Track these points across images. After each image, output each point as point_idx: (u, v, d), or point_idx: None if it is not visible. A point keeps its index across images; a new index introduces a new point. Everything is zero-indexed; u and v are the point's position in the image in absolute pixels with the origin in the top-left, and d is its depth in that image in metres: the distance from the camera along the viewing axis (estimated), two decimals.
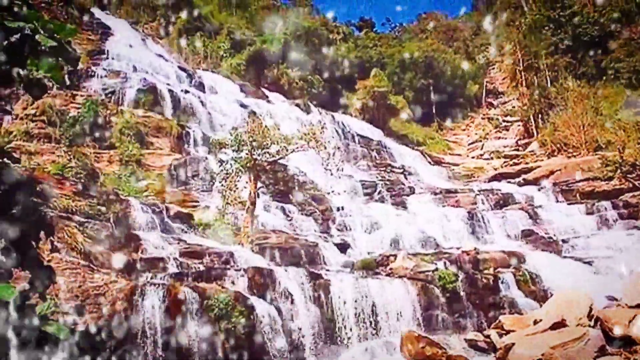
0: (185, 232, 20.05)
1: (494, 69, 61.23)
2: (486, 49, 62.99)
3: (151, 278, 14.66)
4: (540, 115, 41.64)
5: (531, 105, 42.06)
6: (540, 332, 13.44)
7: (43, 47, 2.50)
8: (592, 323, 13.81)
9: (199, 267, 16.21)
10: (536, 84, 43.37)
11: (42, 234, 2.94)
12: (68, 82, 2.73)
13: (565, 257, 20.44)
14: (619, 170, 26.79)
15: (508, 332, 14.59)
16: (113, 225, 17.05)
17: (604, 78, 40.97)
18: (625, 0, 43.93)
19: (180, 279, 14.68)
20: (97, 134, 25.71)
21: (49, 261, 12.09)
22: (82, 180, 20.70)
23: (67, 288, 12.32)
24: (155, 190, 23.41)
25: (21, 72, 2.63)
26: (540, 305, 16.02)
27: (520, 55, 44.69)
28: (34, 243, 2.86)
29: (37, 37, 2.49)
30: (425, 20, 71.85)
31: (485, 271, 17.93)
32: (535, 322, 14.23)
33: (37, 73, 2.62)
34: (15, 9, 2.47)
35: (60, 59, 2.56)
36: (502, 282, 17.38)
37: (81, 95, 28.03)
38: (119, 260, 15.11)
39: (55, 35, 2.54)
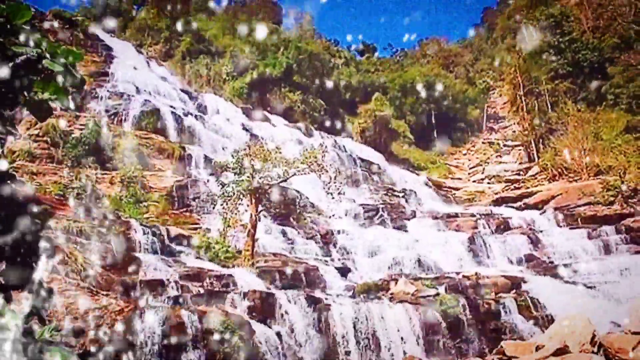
0: (186, 254, 19.99)
1: (494, 93, 61.60)
2: (487, 74, 63.45)
3: (151, 301, 14.57)
4: (541, 140, 41.77)
5: (532, 129, 42.21)
6: (542, 358, 13.28)
7: (49, 71, 2.53)
8: (595, 349, 13.66)
9: (199, 290, 16.13)
10: (537, 109, 43.56)
11: (42, 255, 2.94)
12: (72, 104, 2.76)
13: (567, 282, 20.29)
14: (620, 195, 26.81)
15: (510, 358, 14.41)
16: (114, 247, 17.03)
17: (604, 103, 41.19)
18: (624, 27, 44.38)
19: (180, 302, 14.59)
20: (99, 155, 25.83)
21: (48, 282, 12.04)
22: (84, 202, 20.74)
23: (66, 310, 12.25)
24: (156, 212, 23.42)
25: (27, 94, 2.66)
26: (543, 331, 15.87)
27: (521, 80, 44.97)
28: (34, 264, 2.86)
29: (43, 61, 2.53)
30: (426, 46, 72.52)
31: (487, 296, 17.80)
32: (538, 348, 14.08)
33: (42, 95, 2.65)
34: (23, 34, 2.51)
35: (66, 82, 2.59)
36: (503, 307, 17.24)
37: (84, 117, 28.22)
38: (118, 282, 15.04)
39: (62, 59, 2.58)
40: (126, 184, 24.60)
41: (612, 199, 27.21)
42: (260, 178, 19.80)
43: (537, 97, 44.62)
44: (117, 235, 17.67)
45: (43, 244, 2.92)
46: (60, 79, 2.55)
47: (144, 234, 19.24)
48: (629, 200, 26.73)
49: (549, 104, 43.91)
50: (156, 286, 15.81)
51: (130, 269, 16.43)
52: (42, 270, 2.84)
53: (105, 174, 25.30)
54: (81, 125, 27.20)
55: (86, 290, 13.37)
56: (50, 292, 2.91)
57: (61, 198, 19.93)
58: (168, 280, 16.30)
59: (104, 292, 13.83)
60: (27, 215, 2.81)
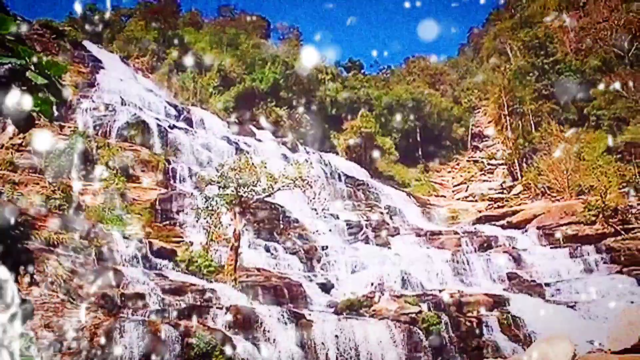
0: (168, 268, 19.81)
1: (479, 112, 62.19)
2: (472, 93, 64.04)
3: (131, 314, 14.41)
4: (524, 159, 42.21)
5: (516, 149, 42.67)
6: None
7: (33, 83, 2.53)
8: None
9: (180, 304, 15.98)
10: (521, 129, 44.08)
11: (21, 266, 2.91)
12: (56, 114, 2.76)
13: (548, 300, 20.42)
14: (601, 215, 27.15)
15: None
16: (95, 259, 16.84)
17: (586, 124, 41.82)
18: (605, 50, 45.26)
19: (161, 316, 14.44)
20: (82, 167, 25.57)
21: (26, 295, 11.87)
22: (66, 213, 20.52)
23: (44, 323, 12.06)
24: (139, 224, 23.21)
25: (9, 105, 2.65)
26: (524, 349, 15.92)
27: (505, 100, 45.54)
28: (12, 276, 2.83)
29: (27, 73, 2.52)
30: (412, 64, 73.10)
31: (469, 314, 17.84)
32: None
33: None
34: (9, 45, 2.51)
35: (49, 94, 2.59)
36: (485, 326, 17.28)
37: (69, 127, 28.00)
38: (99, 295, 14.85)
39: (47, 71, 2.58)
40: (109, 196, 24.36)
41: (593, 218, 27.55)
42: (244, 192, 19.74)
43: (521, 117, 45.18)
44: (99, 247, 17.48)
45: (22, 255, 2.90)
46: (43, 90, 2.55)
47: (126, 246, 19.05)
48: (610, 220, 27.08)
49: (532, 124, 44.48)
50: (137, 299, 15.64)
51: (112, 281, 16.24)
52: (20, 281, 2.81)
53: (89, 185, 25.04)
54: (65, 135, 26.96)
55: (65, 303, 13.18)
56: (27, 304, 2.88)
57: (43, 209, 19.69)
58: (149, 293, 16.13)
59: (84, 305, 13.64)
60: (6, 225, 2.79)
